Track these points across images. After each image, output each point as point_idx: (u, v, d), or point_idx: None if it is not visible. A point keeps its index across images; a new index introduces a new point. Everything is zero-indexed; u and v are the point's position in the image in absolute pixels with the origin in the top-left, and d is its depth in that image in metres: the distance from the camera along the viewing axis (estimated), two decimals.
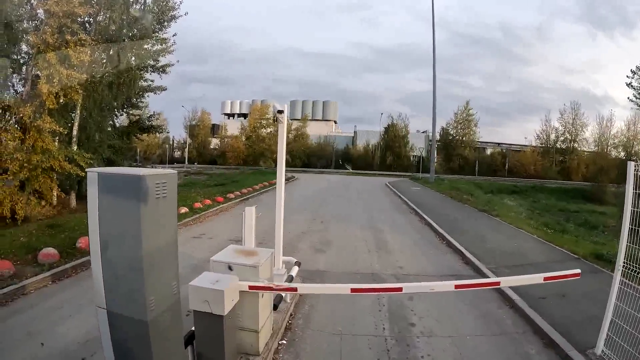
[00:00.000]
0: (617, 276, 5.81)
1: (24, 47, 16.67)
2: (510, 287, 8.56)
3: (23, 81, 16.59)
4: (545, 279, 4.89)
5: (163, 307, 3.84)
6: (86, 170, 3.85)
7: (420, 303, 8.26)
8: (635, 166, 5.93)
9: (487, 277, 9.79)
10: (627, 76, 40.24)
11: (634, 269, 5.57)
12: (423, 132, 78.76)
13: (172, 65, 23.25)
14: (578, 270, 4.87)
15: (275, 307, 6.92)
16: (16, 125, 15.57)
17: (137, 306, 3.65)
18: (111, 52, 19.35)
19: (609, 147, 65.78)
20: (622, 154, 60.84)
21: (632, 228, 5.75)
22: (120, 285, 3.71)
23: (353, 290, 5.02)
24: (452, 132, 75.08)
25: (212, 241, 13.23)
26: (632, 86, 40.10)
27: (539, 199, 34.14)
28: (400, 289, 4.96)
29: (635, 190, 5.64)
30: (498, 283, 4.95)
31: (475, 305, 8.27)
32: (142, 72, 22.26)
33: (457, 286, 4.86)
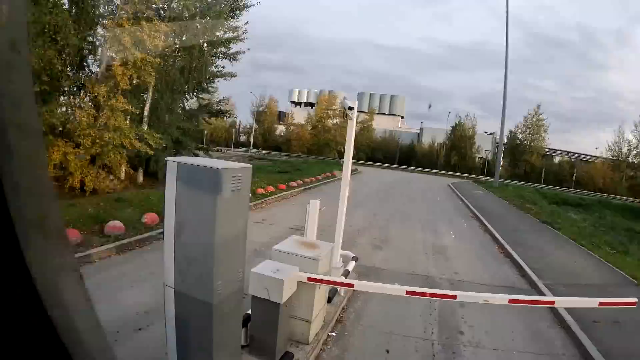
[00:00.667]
0: None
1: (100, 30, 17.39)
2: (567, 311, 8.45)
3: (98, 62, 17.36)
4: (601, 304, 4.87)
5: (228, 291, 4.07)
6: (166, 159, 4.10)
7: (471, 312, 8.25)
8: None
9: (542, 292, 9.70)
10: None
11: None
12: (490, 134, 77.04)
13: (243, 52, 23.69)
14: (635, 299, 4.82)
15: (329, 300, 7.11)
16: (90, 104, 16.42)
17: (205, 289, 3.88)
18: (184, 38, 19.94)
19: None
20: None
21: None
22: (190, 268, 3.94)
23: (408, 292, 5.15)
24: (520, 137, 73.14)
25: (273, 227, 13.54)
26: None
27: (605, 215, 33.00)
28: (454, 297, 5.06)
29: None
30: (552, 302, 4.99)
31: (526, 321, 8.19)
32: (213, 58, 22.77)
33: (511, 300, 4.91)
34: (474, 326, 7.71)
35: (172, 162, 3.96)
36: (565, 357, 7.04)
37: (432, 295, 5.28)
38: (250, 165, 4.33)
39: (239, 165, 4.20)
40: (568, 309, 8.44)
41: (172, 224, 3.99)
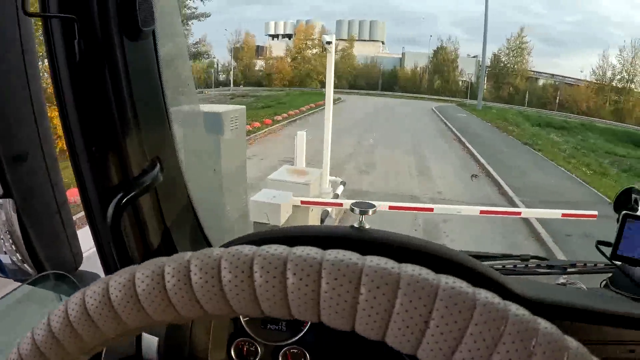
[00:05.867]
0: None
1: None
2: (540, 224, 9.07)
3: None
4: (564, 215, 5.46)
5: (235, 216, 4.59)
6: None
7: (454, 227, 8.81)
8: None
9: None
10: None
11: None
12: (474, 57, 76.21)
13: None
14: (595, 212, 5.40)
15: (321, 222, 7.67)
16: None
17: (217, 215, 4.41)
18: None
19: None
20: None
21: None
22: (204, 199, 4.45)
23: (391, 207, 5.71)
24: (503, 59, 72.75)
25: (264, 162, 13.94)
26: None
27: (587, 138, 33.43)
28: (431, 209, 5.63)
29: None
30: (519, 213, 5.56)
31: (505, 235, 8.81)
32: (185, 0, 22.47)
33: (482, 212, 5.48)
34: (455, 240, 8.27)
35: (200, 110, 4.46)
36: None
37: (411, 209, 5.83)
38: (244, 107, 4.83)
39: (234, 107, 4.70)
40: (545, 225, 9.07)
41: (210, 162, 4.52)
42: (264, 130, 20.39)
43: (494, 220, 8.86)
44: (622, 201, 1.50)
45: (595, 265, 1.60)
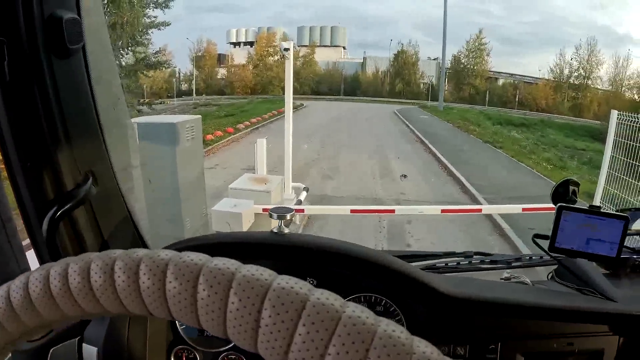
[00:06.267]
0: None
1: None
2: (504, 220, 9.18)
3: None
4: (524, 209, 5.58)
5: (196, 226, 4.58)
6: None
7: (418, 227, 8.88)
8: (618, 115, 6.56)
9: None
10: None
11: (609, 208, 6.24)
12: (434, 59, 76.88)
13: None
14: (553, 205, 5.52)
15: (291, 219, 7.67)
16: None
17: (176, 225, 4.39)
18: None
19: (623, 88, 64.40)
20: (637, 96, 59.59)
21: (610, 172, 6.41)
22: (162, 210, 4.42)
23: (352, 211, 5.77)
24: (463, 61, 73.61)
25: (226, 171, 13.79)
26: None
27: (547, 134, 33.91)
28: (393, 211, 5.69)
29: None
30: (480, 210, 5.65)
31: (469, 232, 8.92)
32: (144, 9, 22.26)
33: (443, 210, 5.57)
34: (421, 239, 8.34)
35: (132, 123, 4.39)
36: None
37: (373, 211, 5.90)
38: (200, 116, 4.83)
39: (190, 117, 4.70)
40: (508, 220, 9.22)
41: (140, 176, 4.46)
42: (226, 139, 20.25)
43: (459, 218, 8.99)
44: (561, 193, 1.53)
45: (541, 258, 1.63)
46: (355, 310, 0.40)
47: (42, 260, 1.05)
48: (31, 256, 1.09)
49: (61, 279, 0.47)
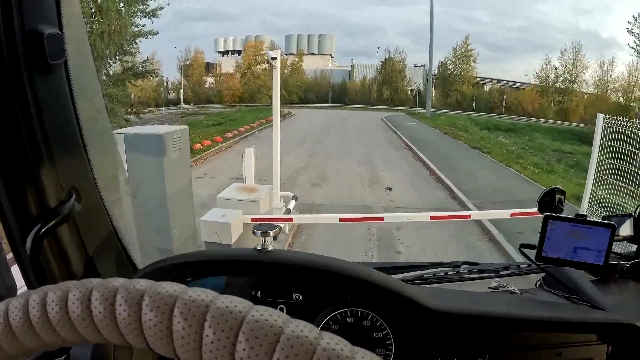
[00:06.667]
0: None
1: None
2: (493, 225, 9.18)
3: None
4: (513, 214, 5.60)
5: (185, 237, 4.56)
6: (113, 132, 4.53)
7: (408, 234, 8.89)
8: (604, 118, 6.62)
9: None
10: (629, 22, 39.63)
11: (596, 211, 6.32)
12: (421, 66, 77.25)
13: (163, 8, 23.20)
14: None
15: (275, 238, 7.65)
16: None
17: (164, 237, 4.37)
18: (99, 1, 19.43)
19: (608, 91, 64.86)
20: (622, 99, 60.12)
21: (597, 175, 6.47)
22: (150, 222, 4.40)
23: (341, 219, 5.77)
24: (450, 67, 73.94)
25: (215, 180, 13.78)
26: (632, 33, 39.62)
27: (535, 138, 34.13)
28: (382, 219, 5.70)
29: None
30: (469, 216, 5.67)
31: (458, 238, 8.95)
32: (132, 18, 22.27)
33: (432, 217, 5.58)
34: (410, 246, 8.36)
35: (119, 133, 4.38)
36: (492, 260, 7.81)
37: (362, 219, 5.90)
38: (187, 126, 4.82)
39: (177, 127, 4.69)
40: (497, 225, 9.23)
41: (127, 188, 4.44)
42: (214, 148, 20.21)
43: (448, 223, 9.00)
44: (547, 202, 1.53)
45: (529, 266, 1.63)
46: (330, 342, 0.39)
47: (26, 278, 1.04)
48: (16, 270, 1.08)
49: (40, 308, 0.47)
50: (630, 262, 1.57)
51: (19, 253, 1.00)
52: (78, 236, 1.07)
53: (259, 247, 1.20)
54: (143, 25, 23.73)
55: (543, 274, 1.58)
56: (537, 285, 1.60)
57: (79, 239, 1.08)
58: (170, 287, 0.44)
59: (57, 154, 0.98)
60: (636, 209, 1.60)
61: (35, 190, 0.96)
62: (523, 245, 1.47)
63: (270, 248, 1.20)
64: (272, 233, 1.20)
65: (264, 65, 66.70)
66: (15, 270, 1.06)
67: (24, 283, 1.06)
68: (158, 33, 24.47)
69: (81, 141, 1.06)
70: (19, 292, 1.11)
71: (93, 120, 1.14)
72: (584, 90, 66.94)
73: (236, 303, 0.42)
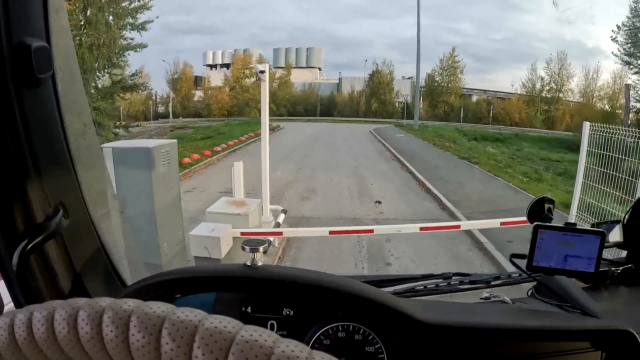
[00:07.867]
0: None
1: None
2: (482, 234, 9.20)
3: None
4: (502, 223, 5.62)
5: (174, 251, 4.54)
6: (102, 146, 4.49)
7: (397, 245, 8.85)
8: (590, 126, 6.68)
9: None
10: (613, 31, 40.23)
11: (585, 218, 6.37)
12: (408, 78, 77.50)
13: (152, 21, 23.28)
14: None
15: (264, 252, 7.63)
16: None
17: (153, 252, 4.34)
18: (88, 14, 19.44)
19: (594, 99, 65.38)
20: (607, 106, 60.64)
21: (585, 182, 6.52)
22: (138, 237, 4.37)
23: (331, 232, 5.76)
24: (437, 79, 74.34)
25: (204, 194, 13.69)
26: (616, 41, 40.25)
27: (522, 147, 34.30)
28: (371, 231, 5.69)
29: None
30: (458, 226, 5.69)
31: (449, 248, 8.91)
32: (121, 31, 22.32)
33: (421, 228, 5.59)
34: (400, 257, 8.34)
35: (107, 147, 4.36)
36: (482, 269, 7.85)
37: (352, 232, 5.90)
38: (175, 140, 4.81)
39: (166, 141, 4.68)
40: (487, 235, 9.25)
41: (116, 202, 4.42)
42: (203, 162, 20.13)
43: (438, 234, 9.00)
44: (536, 211, 1.53)
45: (520, 275, 1.63)
46: None
47: (13, 295, 1.03)
48: (3, 286, 1.07)
49: (25, 328, 0.46)
50: (620, 268, 1.57)
51: (6, 269, 0.98)
52: (65, 252, 1.06)
53: (248, 263, 1.19)
54: (132, 39, 23.81)
55: (534, 283, 1.58)
56: (529, 295, 1.60)
57: (66, 255, 1.06)
58: (158, 308, 0.44)
59: (44, 168, 0.97)
60: (625, 215, 1.61)
61: (22, 205, 0.95)
62: (514, 255, 1.47)
63: (259, 263, 1.19)
64: (261, 248, 1.19)
65: (253, 79, 66.68)
66: (1, 286, 1.05)
67: (10, 299, 1.05)
68: (147, 46, 24.54)
69: (68, 155, 1.05)
70: (5, 308, 1.10)
71: (80, 134, 1.13)
72: (570, 99, 67.40)
73: (225, 323, 0.42)
